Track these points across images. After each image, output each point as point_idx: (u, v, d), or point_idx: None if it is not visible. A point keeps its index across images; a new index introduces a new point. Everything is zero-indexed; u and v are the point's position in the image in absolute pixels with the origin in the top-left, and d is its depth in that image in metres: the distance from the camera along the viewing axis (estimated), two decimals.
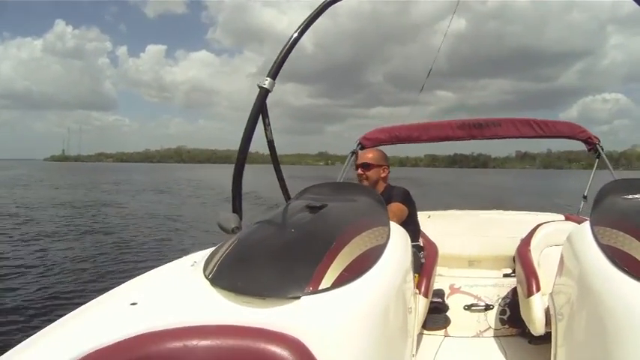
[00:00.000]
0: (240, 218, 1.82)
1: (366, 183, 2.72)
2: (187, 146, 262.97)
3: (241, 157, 1.98)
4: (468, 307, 2.56)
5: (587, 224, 1.57)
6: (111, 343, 0.90)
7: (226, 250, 1.33)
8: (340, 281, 1.13)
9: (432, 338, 2.41)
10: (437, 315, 2.45)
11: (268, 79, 2.00)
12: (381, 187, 2.77)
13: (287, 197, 2.41)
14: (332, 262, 1.18)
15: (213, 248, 1.46)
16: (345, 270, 1.17)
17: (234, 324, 0.96)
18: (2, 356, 0.93)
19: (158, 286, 1.34)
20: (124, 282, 1.36)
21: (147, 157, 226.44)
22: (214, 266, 1.24)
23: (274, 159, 2.35)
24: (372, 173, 2.74)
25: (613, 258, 1.28)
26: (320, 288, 1.09)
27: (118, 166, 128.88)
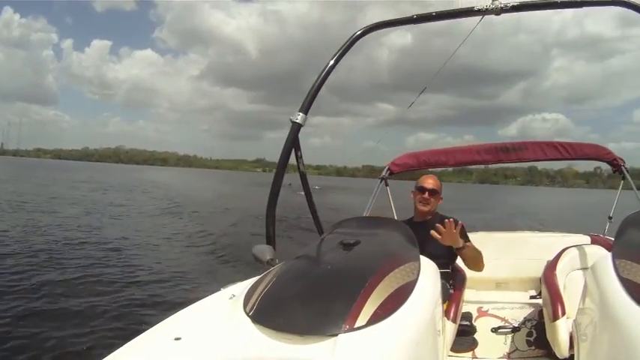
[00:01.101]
0: (274, 249, 1.91)
1: (427, 209, 2.68)
2: (126, 146, 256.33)
3: (275, 188, 2.09)
4: (495, 330, 2.59)
5: (609, 257, 1.61)
6: None
7: (265, 286, 1.37)
8: (375, 319, 1.16)
9: None
10: (464, 337, 2.47)
11: (300, 114, 2.09)
12: (432, 213, 2.73)
13: (319, 229, 2.48)
14: (367, 300, 1.21)
15: (251, 281, 1.52)
16: (378, 307, 1.20)
17: None
18: None
19: (200, 321, 1.36)
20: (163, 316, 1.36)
21: (85, 156, 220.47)
22: (255, 303, 1.29)
23: (307, 191, 2.40)
24: (435, 200, 2.70)
25: (632, 292, 1.32)
26: (356, 326, 1.13)
27: (62, 163, 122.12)
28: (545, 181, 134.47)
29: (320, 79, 2.20)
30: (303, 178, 2.38)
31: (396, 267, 1.47)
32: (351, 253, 1.62)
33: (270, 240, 2.09)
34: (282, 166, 2.12)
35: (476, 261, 2.53)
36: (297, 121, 2.12)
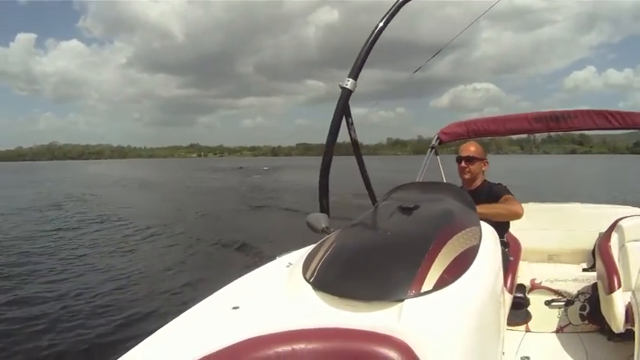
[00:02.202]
0: (329, 217, 1.87)
1: (467, 177, 2.70)
2: (59, 142, 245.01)
3: (327, 158, 2.06)
4: (549, 303, 2.56)
5: None
6: (219, 349, 0.92)
7: (325, 253, 1.33)
8: (441, 283, 1.13)
9: (514, 334, 2.41)
10: (518, 310, 2.43)
11: (350, 79, 2.05)
12: (479, 181, 2.74)
13: (373, 198, 2.47)
14: (432, 264, 1.19)
15: (307, 249, 1.48)
16: (444, 272, 1.18)
17: (340, 327, 0.98)
18: None
19: (258, 290, 1.34)
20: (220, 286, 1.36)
21: (19, 155, 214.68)
22: (315, 270, 1.25)
23: (358, 159, 2.39)
24: (474, 167, 2.69)
25: None
26: (422, 290, 1.10)
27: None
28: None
29: (369, 42, 2.18)
30: (355, 145, 2.39)
31: (458, 231, 1.43)
32: (411, 217, 1.58)
33: (324, 209, 2.11)
34: (334, 135, 2.11)
35: (503, 212, 2.47)
36: (347, 86, 2.09)
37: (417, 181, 3.31)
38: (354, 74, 2.05)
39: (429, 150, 3.93)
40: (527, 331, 2.47)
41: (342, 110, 2.08)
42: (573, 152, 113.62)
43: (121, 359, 0.96)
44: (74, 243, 10.10)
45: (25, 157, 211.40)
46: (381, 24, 2.12)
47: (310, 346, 0.91)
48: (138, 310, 5.50)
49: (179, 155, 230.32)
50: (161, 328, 1.09)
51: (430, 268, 1.17)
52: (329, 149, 2.08)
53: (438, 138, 3.94)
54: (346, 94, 2.06)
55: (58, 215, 14.96)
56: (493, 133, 4.03)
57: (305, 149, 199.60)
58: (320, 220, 1.86)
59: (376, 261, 1.25)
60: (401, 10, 2.23)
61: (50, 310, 5.52)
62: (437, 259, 1.21)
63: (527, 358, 2.21)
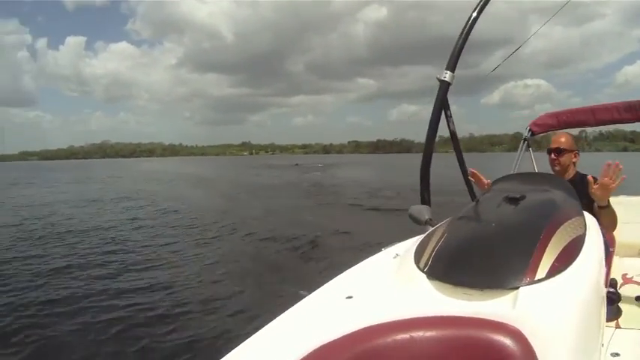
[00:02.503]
0: (430, 209, 1.88)
1: (558, 169, 2.67)
2: (110, 141, 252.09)
3: (427, 152, 2.05)
4: None
5: None
6: (337, 337, 0.93)
7: (437, 242, 1.35)
8: (553, 271, 1.13)
9: (604, 329, 2.10)
10: (610, 306, 2.17)
11: (447, 72, 2.03)
12: (571, 172, 2.69)
13: (470, 190, 2.43)
14: (544, 252, 1.19)
15: (413, 241, 1.49)
16: (556, 260, 1.18)
17: (455, 315, 0.98)
18: (228, 355, 0.97)
19: (370, 279, 1.36)
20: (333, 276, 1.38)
21: (72, 154, 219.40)
22: (429, 259, 1.26)
23: (457, 150, 2.32)
24: (564, 159, 2.65)
25: None
26: (536, 278, 1.10)
27: (58, 164, 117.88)
28: (532, 146, 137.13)
29: (464, 33, 2.15)
30: (454, 137, 2.33)
31: (565, 220, 1.43)
32: (519, 207, 1.57)
33: (426, 201, 2.10)
34: (433, 129, 2.08)
35: (614, 222, 2.45)
36: (446, 79, 2.07)
37: (512, 173, 3.17)
38: (451, 66, 2.03)
39: (522, 142, 3.92)
40: (618, 327, 2.26)
41: (441, 103, 2.06)
42: (625, 150, 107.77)
43: (242, 345, 1.01)
44: (155, 233, 10.36)
45: (78, 156, 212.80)
46: (475, 14, 2.10)
47: (427, 333, 0.92)
48: (242, 300, 5.50)
49: (230, 153, 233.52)
50: (278, 317, 1.13)
51: (542, 256, 1.17)
52: (429, 143, 2.07)
53: (530, 130, 3.90)
54: (445, 86, 2.04)
55: (132, 206, 15.81)
56: (583, 123, 3.96)
57: (356, 146, 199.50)
58: (423, 212, 1.87)
59: (489, 250, 1.26)
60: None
61: (161, 299, 5.56)
62: (548, 248, 1.21)
63: (617, 354, 1.90)
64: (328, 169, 46.38)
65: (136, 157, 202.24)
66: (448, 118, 2.21)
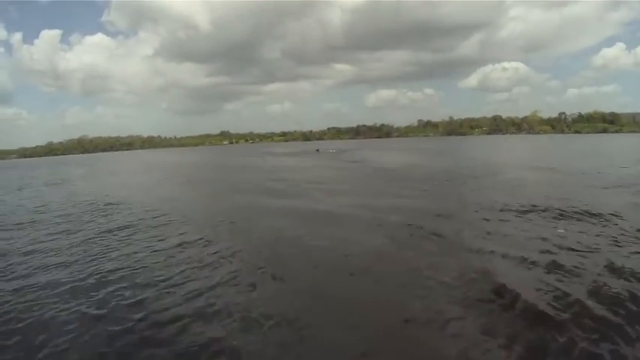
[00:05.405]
0: None
1: None
2: (89, 135, 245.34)
3: None
4: None
5: None
6: None
7: None
8: None
9: None
10: None
11: None
12: None
13: None
14: None
15: None
16: None
17: None
18: None
19: None
20: None
21: (51, 151, 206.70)
22: None
23: None
24: None
25: None
26: None
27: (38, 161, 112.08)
28: (511, 129, 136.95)
29: None
30: None
31: None
32: None
33: None
34: None
35: None
36: None
37: None
38: None
39: None
40: None
41: None
42: (605, 131, 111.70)
43: None
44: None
45: (57, 152, 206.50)
46: None
47: None
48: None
49: (210, 143, 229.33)
50: None
51: None
52: None
53: None
54: None
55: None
56: None
57: (337, 133, 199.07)
58: None
59: None
60: None
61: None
62: None
63: None
64: (342, 153, 46.96)
65: (116, 150, 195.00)
66: None
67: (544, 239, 7.76)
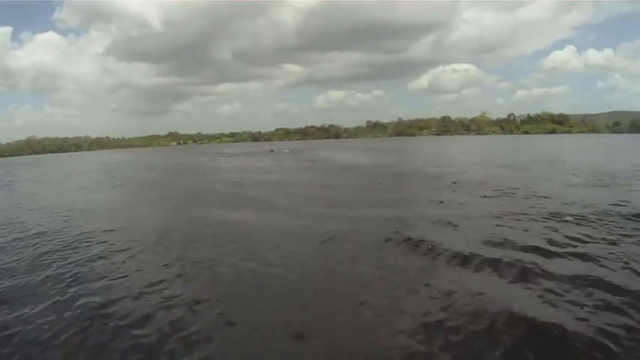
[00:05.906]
0: None
1: None
2: (37, 136, 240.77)
3: None
4: None
5: None
6: None
7: None
8: None
9: None
10: None
11: None
12: None
13: None
14: None
15: None
16: None
17: None
18: None
19: None
20: None
21: None
22: None
23: None
24: None
25: None
26: None
27: None
28: (460, 130, 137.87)
29: None
30: None
31: None
32: None
33: None
34: None
35: None
36: None
37: None
38: None
39: None
40: None
41: None
42: (553, 132, 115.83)
43: None
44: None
45: (4, 154, 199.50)
46: None
47: None
48: None
49: (158, 144, 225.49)
50: None
51: None
52: None
53: None
54: None
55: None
56: None
57: (285, 133, 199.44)
58: None
59: None
60: None
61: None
62: None
63: None
64: (298, 154, 47.97)
65: (64, 151, 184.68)
66: None
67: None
